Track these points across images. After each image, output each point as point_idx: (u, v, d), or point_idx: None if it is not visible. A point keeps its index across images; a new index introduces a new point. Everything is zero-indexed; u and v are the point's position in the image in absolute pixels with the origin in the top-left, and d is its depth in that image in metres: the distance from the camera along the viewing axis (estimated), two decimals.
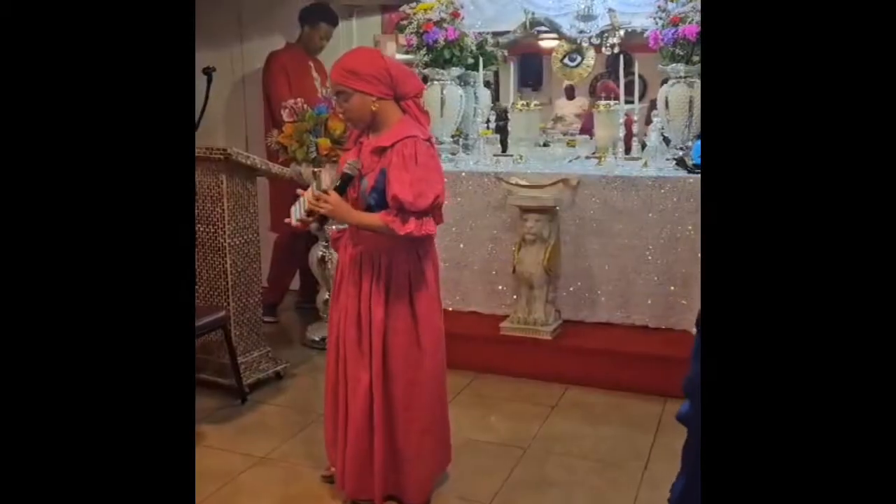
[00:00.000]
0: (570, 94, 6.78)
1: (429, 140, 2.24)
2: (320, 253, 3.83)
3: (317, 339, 3.91)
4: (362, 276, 2.28)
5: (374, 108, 2.19)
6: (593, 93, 5.25)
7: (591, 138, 4.17)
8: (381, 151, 2.19)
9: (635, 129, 3.86)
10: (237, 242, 3.30)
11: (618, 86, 4.84)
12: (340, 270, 2.37)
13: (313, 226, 2.28)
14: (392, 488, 2.37)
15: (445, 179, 3.75)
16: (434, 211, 2.22)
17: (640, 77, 3.94)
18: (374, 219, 2.18)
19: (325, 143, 3.57)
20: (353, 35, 4.68)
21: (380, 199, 2.19)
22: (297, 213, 2.35)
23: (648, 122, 4.05)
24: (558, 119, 5.32)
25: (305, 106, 3.69)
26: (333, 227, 2.45)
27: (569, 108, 6.25)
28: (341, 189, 2.23)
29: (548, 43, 4.67)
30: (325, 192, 2.22)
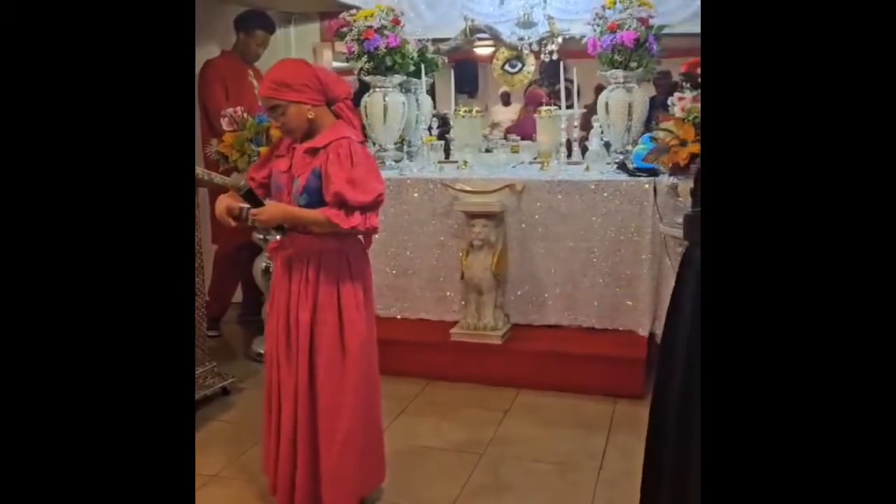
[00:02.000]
0: (506, 100, 6.86)
1: (362, 142, 2.25)
2: (264, 264, 3.75)
3: (262, 351, 3.82)
4: (291, 280, 2.26)
5: (310, 117, 2.19)
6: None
7: (534, 143, 4.22)
8: (313, 152, 2.18)
9: (574, 133, 3.93)
10: None
11: (547, 93, 4.94)
12: (274, 279, 2.36)
13: (262, 236, 2.25)
14: (316, 501, 2.30)
15: (390, 187, 3.81)
16: (377, 208, 2.20)
17: (574, 83, 4.02)
18: (315, 214, 2.15)
19: (267, 151, 3.50)
20: (292, 42, 4.63)
21: (311, 200, 2.17)
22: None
23: (585, 127, 4.12)
24: (495, 125, 5.37)
25: (245, 114, 3.62)
26: (266, 236, 2.40)
27: (505, 114, 6.33)
28: (255, 205, 2.21)
29: (483, 50, 4.72)
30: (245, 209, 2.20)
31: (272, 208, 2.20)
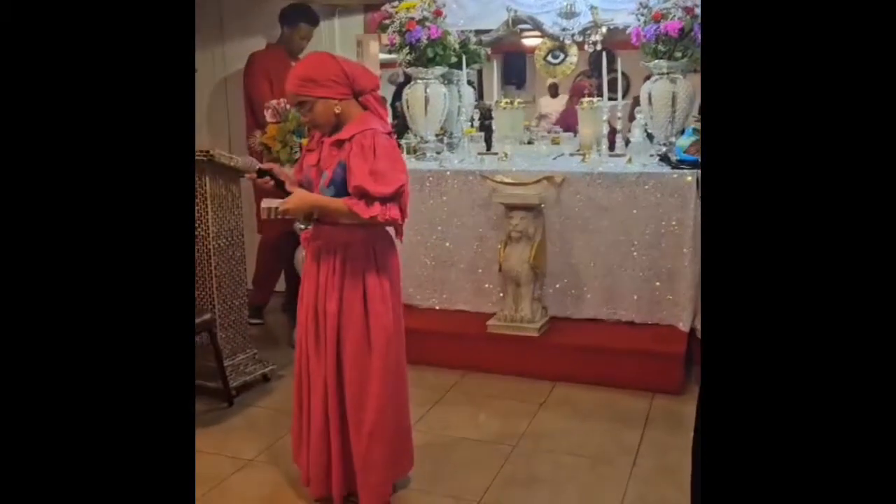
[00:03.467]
0: (554, 91, 6.79)
1: (388, 133, 2.25)
2: (305, 253, 3.81)
3: None
4: (319, 270, 2.29)
5: (337, 111, 2.20)
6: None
7: (575, 135, 4.18)
8: (339, 144, 2.20)
9: (619, 125, 3.88)
10: (221, 245, 3.28)
11: (594, 84, 4.87)
12: (304, 270, 2.39)
13: (298, 226, 2.30)
14: (350, 488, 2.36)
15: (430, 178, 3.83)
16: (399, 199, 2.20)
17: (623, 74, 3.96)
18: (338, 203, 2.17)
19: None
20: (336, 35, 4.67)
21: (338, 192, 2.19)
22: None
23: (632, 118, 4.06)
24: (542, 117, 5.33)
25: (288, 107, 3.67)
26: (301, 226, 2.43)
27: (553, 106, 6.27)
28: (277, 185, 2.29)
29: (531, 41, 4.68)
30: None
31: (297, 198, 2.20)
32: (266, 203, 2.27)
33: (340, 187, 2.19)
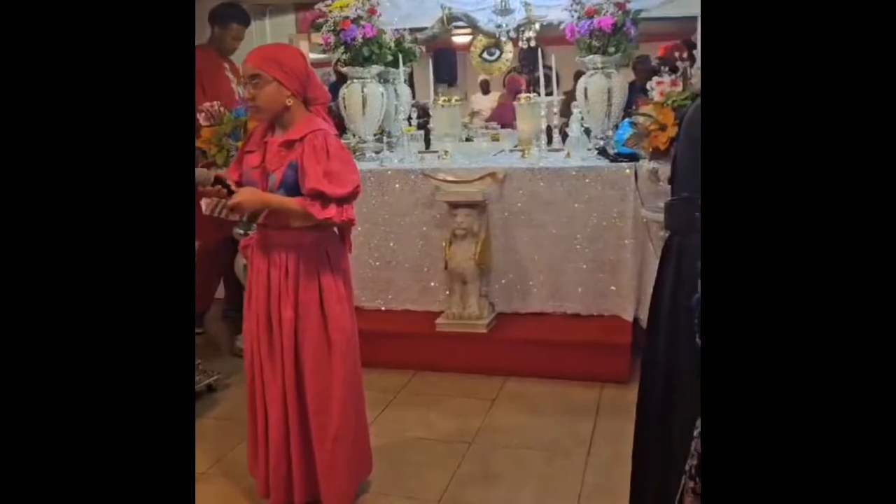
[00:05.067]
0: (486, 88, 6.83)
1: (336, 135, 2.24)
2: (245, 260, 3.72)
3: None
4: (270, 277, 2.24)
5: (288, 104, 2.16)
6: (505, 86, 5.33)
7: (514, 131, 4.22)
8: (289, 145, 2.17)
9: (554, 121, 3.93)
10: None
11: (526, 80, 4.93)
12: (250, 277, 2.33)
13: (238, 231, 2.23)
14: (313, 496, 2.33)
15: (371, 178, 3.79)
16: (353, 200, 2.20)
17: (553, 69, 4.01)
18: (292, 203, 2.13)
19: (240, 148, 3.47)
20: (267, 35, 4.59)
21: (288, 194, 2.15)
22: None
23: (564, 113, 4.12)
24: (475, 113, 5.36)
25: (222, 109, 3.58)
26: (240, 231, 2.37)
27: (484, 103, 6.31)
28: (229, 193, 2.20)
29: (461, 38, 4.70)
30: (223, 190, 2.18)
31: (247, 193, 2.14)
32: (206, 201, 2.20)
33: (291, 189, 2.15)
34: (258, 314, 2.27)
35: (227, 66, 4.19)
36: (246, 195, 2.13)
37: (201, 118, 3.59)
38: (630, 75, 4.50)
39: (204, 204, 2.21)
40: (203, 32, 4.24)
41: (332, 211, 2.13)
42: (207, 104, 3.60)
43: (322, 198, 2.12)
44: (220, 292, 4.45)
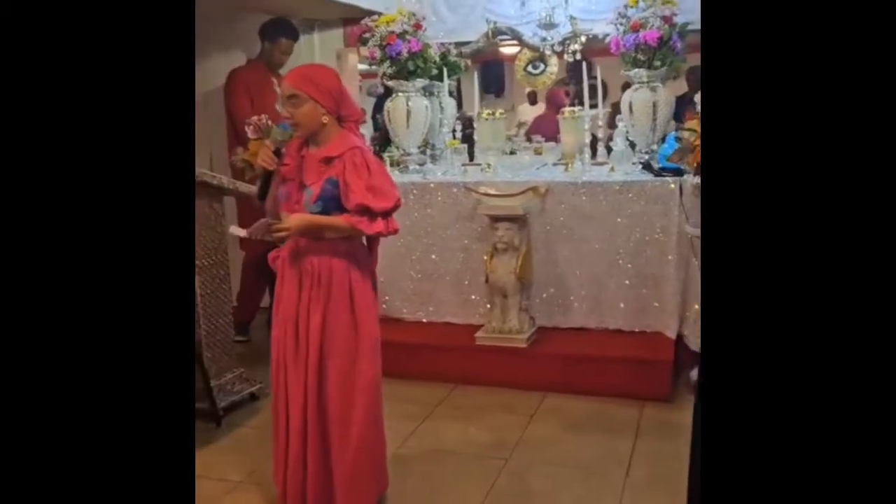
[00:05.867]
0: (533, 98, 6.83)
1: (372, 151, 2.34)
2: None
3: None
4: (302, 284, 2.28)
5: (324, 121, 2.24)
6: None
7: (557, 143, 4.20)
8: (328, 161, 2.23)
9: (600, 133, 3.90)
10: (206, 264, 3.24)
11: (569, 94, 4.90)
12: (279, 287, 2.36)
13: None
14: None
15: (414, 191, 3.82)
16: (395, 212, 2.27)
17: (602, 82, 3.99)
18: (339, 221, 2.22)
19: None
20: (315, 49, 4.66)
21: (325, 207, 2.21)
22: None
23: (611, 125, 4.09)
24: (522, 124, 5.35)
25: (270, 122, 3.65)
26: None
27: (532, 113, 6.31)
28: (263, 188, 2.28)
29: (509, 49, 4.70)
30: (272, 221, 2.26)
31: (297, 219, 2.22)
32: (236, 230, 2.28)
33: (328, 203, 2.21)
34: (286, 321, 2.31)
35: (275, 80, 4.27)
36: (296, 221, 2.21)
37: (249, 131, 3.66)
38: (680, 87, 4.45)
39: (246, 232, 2.27)
40: (254, 47, 4.34)
41: (380, 225, 2.21)
42: (255, 118, 3.66)
43: (369, 212, 2.19)
44: (266, 301, 4.52)
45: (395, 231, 2.28)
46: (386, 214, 2.22)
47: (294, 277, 2.30)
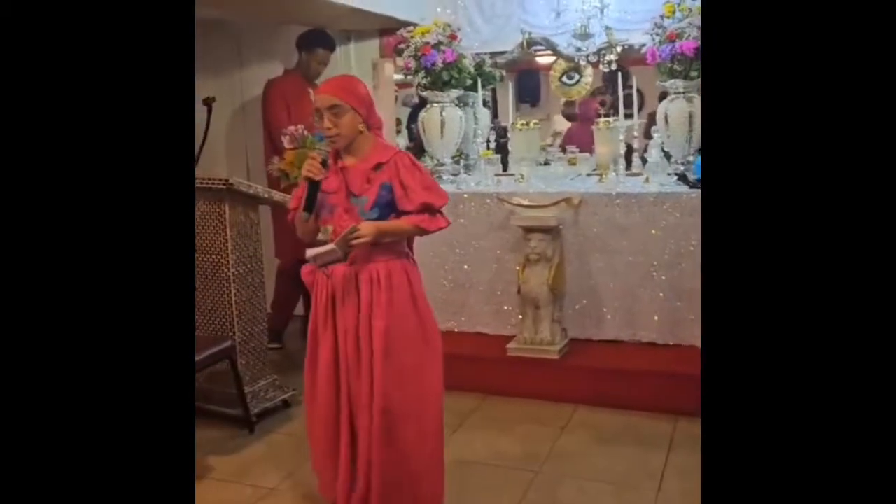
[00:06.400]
0: (568, 109, 6.78)
1: None
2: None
3: None
4: (360, 292, 2.25)
5: (361, 129, 2.26)
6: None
7: (591, 154, 4.18)
8: (377, 167, 2.25)
9: (635, 143, 3.87)
10: (241, 272, 3.29)
11: (604, 103, 4.86)
12: (326, 300, 2.30)
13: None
14: None
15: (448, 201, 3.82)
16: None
17: (637, 90, 3.96)
18: (403, 223, 2.27)
19: None
20: (352, 59, 4.70)
21: (382, 213, 2.24)
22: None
23: (647, 135, 4.05)
24: (557, 134, 5.34)
25: (306, 132, 3.70)
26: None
27: (567, 124, 6.27)
28: (311, 200, 2.21)
29: (545, 59, 4.70)
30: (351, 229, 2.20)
31: (370, 226, 2.20)
32: (313, 252, 2.22)
33: (385, 208, 2.24)
34: (346, 331, 2.27)
35: (311, 90, 4.32)
36: (370, 228, 2.19)
37: (286, 141, 3.72)
38: None
39: (314, 252, 2.24)
40: (291, 58, 4.41)
41: (441, 220, 2.29)
42: (292, 127, 3.73)
43: (430, 209, 2.26)
44: (300, 309, 4.57)
45: (449, 223, 2.35)
46: (441, 210, 2.30)
47: (350, 284, 2.25)
